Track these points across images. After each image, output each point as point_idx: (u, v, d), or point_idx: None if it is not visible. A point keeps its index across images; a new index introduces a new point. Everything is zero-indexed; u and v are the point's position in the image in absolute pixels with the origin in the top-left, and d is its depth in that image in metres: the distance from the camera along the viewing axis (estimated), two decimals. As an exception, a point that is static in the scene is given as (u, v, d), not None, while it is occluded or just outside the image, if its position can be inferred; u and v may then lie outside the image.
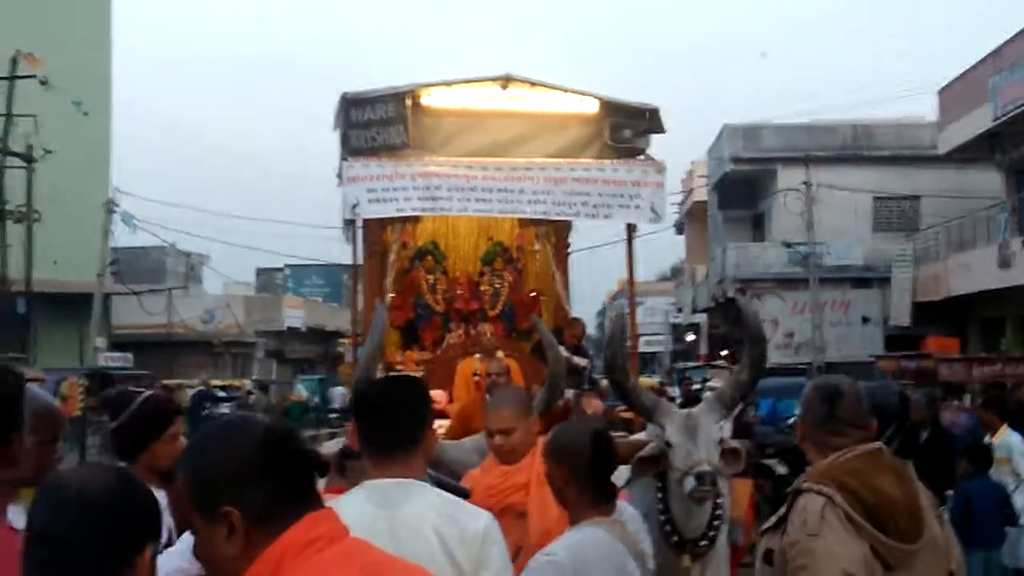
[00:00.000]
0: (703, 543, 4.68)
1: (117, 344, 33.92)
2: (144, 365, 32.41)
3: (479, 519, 2.86)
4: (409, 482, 2.84)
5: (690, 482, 4.37)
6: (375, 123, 8.06)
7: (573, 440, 3.33)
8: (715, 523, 4.72)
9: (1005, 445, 8.48)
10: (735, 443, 4.83)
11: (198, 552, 1.84)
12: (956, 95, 24.75)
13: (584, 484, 3.27)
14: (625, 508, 3.62)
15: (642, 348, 59.66)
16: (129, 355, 32.03)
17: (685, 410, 4.72)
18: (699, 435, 4.52)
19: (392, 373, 9.36)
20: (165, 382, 30.85)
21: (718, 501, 4.73)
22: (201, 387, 26.35)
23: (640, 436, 5.86)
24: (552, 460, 3.34)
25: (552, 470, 3.34)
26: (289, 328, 42.82)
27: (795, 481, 3.11)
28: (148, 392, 3.88)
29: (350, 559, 1.80)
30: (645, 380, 31.64)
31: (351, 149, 8.16)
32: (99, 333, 30.51)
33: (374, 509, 2.77)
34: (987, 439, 8.76)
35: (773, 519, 3.07)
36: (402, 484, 2.83)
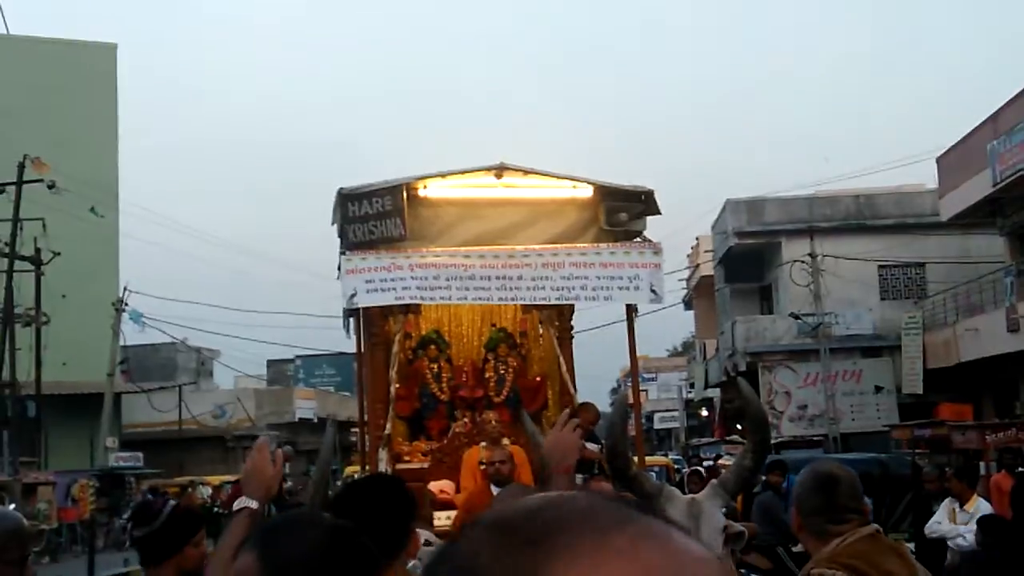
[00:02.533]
0: None
1: (128, 443, 33.83)
2: (155, 463, 32.31)
3: None
4: None
5: None
6: (372, 216, 8.13)
7: None
8: None
9: (976, 512, 8.64)
10: (739, 526, 4.78)
11: None
12: (955, 161, 24.93)
13: None
14: None
15: (657, 425, 59.52)
16: (139, 454, 31.93)
17: (688, 496, 4.68)
18: (702, 524, 4.48)
19: (398, 466, 9.32)
20: (178, 479, 30.75)
21: None
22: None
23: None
24: None
25: None
26: (301, 419, 42.70)
27: (803, 569, 3.08)
28: (173, 500, 4.25)
29: None
30: (660, 459, 31.44)
31: (349, 243, 8.22)
32: (110, 433, 30.49)
33: None
34: (958, 507, 8.90)
35: None
36: None
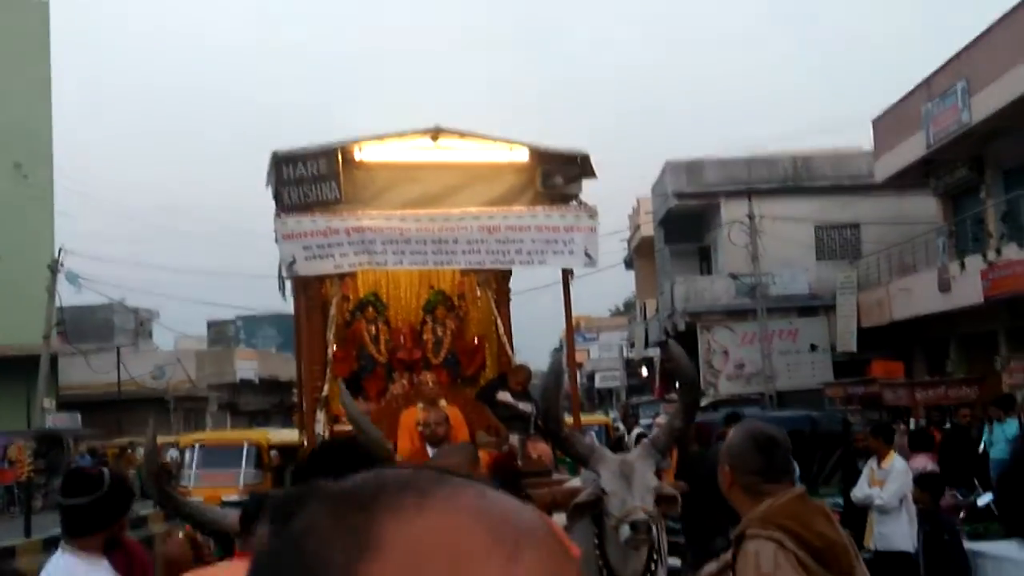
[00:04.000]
0: None
1: (65, 404, 33.42)
2: (93, 424, 31.98)
3: None
4: None
5: (625, 531, 4.42)
6: (307, 180, 8.10)
7: None
8: (652, 565, 4.78)
9: (891, 470, 8.87)
10: (670, 489, 4.90)
11: None
12: (890, 124, 25.30)
13: None
14: None
15: (598, 384, 60.00)
16: (77, 415, 31.58)
17: (620, 456, 4.79)
18: (634, 482, 4.58)
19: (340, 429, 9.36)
20: (117, 441, 30.46)
21: (654, 544, 4.80)
22: None
23: (575, 482, 5.93)
24: None
25: None
26: (242, 380, 42.46)
27: (737, 528, 3.16)
28: (109, 473, 4.07)
29: None
30: (599, 417, 31.73)
31: (284, 206, 8.19)
32: (46, 394, 30.09)
33: None
34: (875, 465, 9.14)
35: (715, 565, 3.13)
36: None
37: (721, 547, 3.56)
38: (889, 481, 8.75)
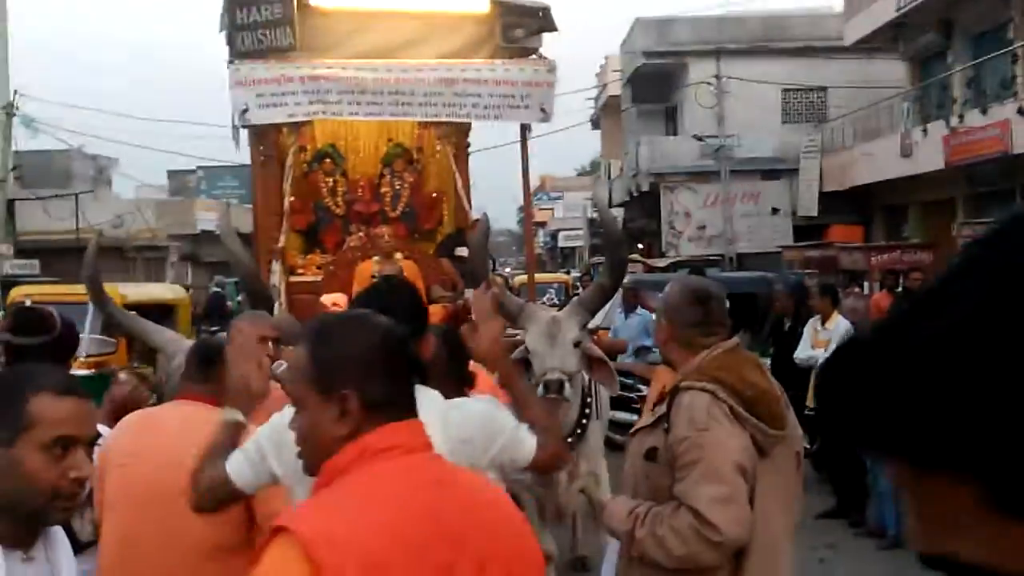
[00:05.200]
0: (570, 439, 4.84)
1: (22, 251, 33.13)
2: (52, 272, 31.72)
3: (478, 400, 2.93)
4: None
5: (540, 390, 4.48)
6: (261, 24, 7.92)
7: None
8: (583, 420, 4.88)
9: (835, 331, 9.02)
10: (598, 350, 4.94)
11: (299, 426, 1.90)
12: (862, -15, 24.90)
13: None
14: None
15: (561, 243, 60.17)
16: (35, 262, 31.34)
17: (549, 314, 4.81)
18: (557, 341, 4.62)
19: (291, 276, 9.37)
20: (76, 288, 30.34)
21: (587, 400, 4.89)
22: (216, 288, 26.05)
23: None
24: None
25: None
26: (203, 231, 42.16)
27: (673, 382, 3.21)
28: (61, 319, 4.11)
29: (416, 472, 1.82)
30: (559, 275, 31.93)
31: (237, 52, 8.01)
32: (3, 240, 29.81)
33: None
34: (819, 326, 9.29)
35: (649, 418, 3.19)
36: None
37: None
38: (833, 341, 8.92)
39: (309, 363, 1.89)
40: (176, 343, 4.01)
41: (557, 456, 2.87)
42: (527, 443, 2.69)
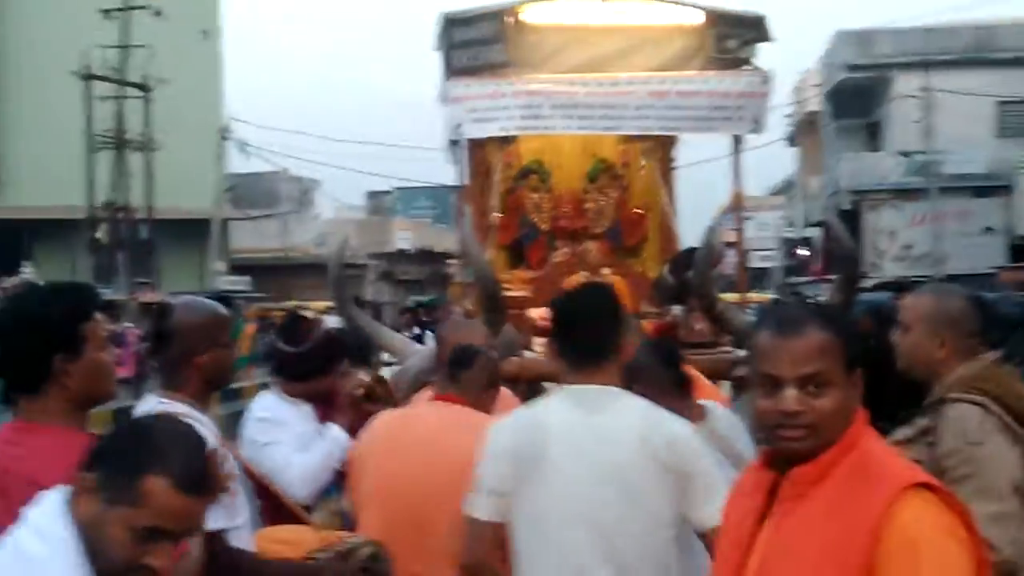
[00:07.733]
0: None
1: (235, 268, 34.88)
2: (261, 288, 33.33)
3: (685, 426, 2.93)
4: (609, 389, 2.89)
5: None
6: (476, 42, 8.03)
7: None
8: None
9: None
10: None
11: (830, 406, 2.03)
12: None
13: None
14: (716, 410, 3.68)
15: (753, 263, 58.96)
16: (247, 279, 32.95)
17: None
18: None
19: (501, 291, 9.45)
20: (285, 304, 31.70)
21: None
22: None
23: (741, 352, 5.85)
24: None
25: None
26: (399, 250, 43.40)
27: (939, 390, 3.02)
28: (326, 324, 4.31)
29: None
30: (757, 295, 31.30)
31: (453, 70, 8.15)
32: (218, 257, 31.45)
33: (578, 414, 2.84)
34: None
35: (910, 431, 3.01)
36: (604, 391, 2.88)
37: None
38: None
39: (839, 345, 2.07)
40: (406, 346, 4.09)
41: None
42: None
